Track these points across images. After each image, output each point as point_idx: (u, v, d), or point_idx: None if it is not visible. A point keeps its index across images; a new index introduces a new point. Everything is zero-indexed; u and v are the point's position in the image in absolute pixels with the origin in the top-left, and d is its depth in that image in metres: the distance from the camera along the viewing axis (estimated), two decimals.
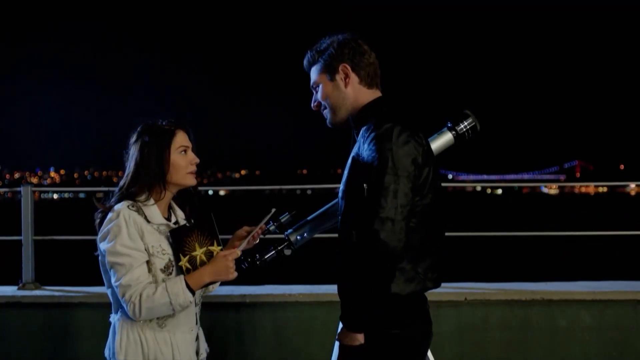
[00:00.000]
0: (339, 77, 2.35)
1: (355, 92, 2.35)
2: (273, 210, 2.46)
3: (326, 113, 2.41)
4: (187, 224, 2.37)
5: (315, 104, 2.44)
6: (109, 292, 2.35)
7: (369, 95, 2.36)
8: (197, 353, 2.45)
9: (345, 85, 2.35)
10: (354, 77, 2.34)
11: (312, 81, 2.43)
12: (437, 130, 2.74)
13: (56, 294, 4.20)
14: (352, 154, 2.31)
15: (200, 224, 2.35)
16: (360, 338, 2.18)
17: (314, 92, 2.44)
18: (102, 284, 4.35)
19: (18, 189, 4.47)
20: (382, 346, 2.20)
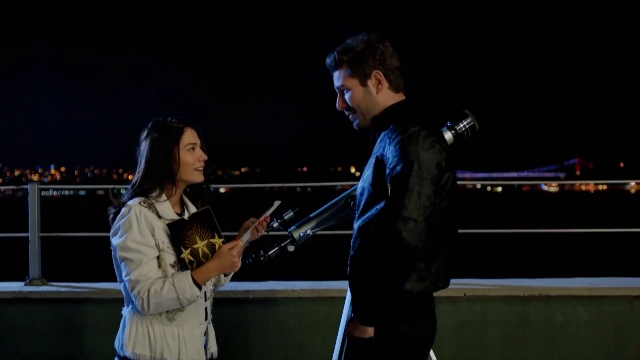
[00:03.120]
0: (372, 83, 2.37)
1: (386, 97, 2.39)
2: (278, 202, 2.51)
3: (354, 117, 2.45)
4: (185, 218, 2.43)
5: (344, 106, 2.46)
6: (121, 286, 2.41)
7: (395, 99, 2.40)
8: (206, 347, 2.51)
9: (377, 92, 2.38)
10: (385, 83, 2.38)
11: (339, 84, 2.43)
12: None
13: (62, 289, 4.27)
14: (375, 154, 2.35)
15: (198, 217, 2.40)
16: (370, 332, 2.24)
17: (340, 94, 2.45)
18: (107, 280, 4.43)
19: (25, 186, 4.54)
20: (391, 341, 2.26)
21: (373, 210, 2.27)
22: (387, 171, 2.24)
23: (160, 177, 2.40)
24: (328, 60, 2.45)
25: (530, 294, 4.15)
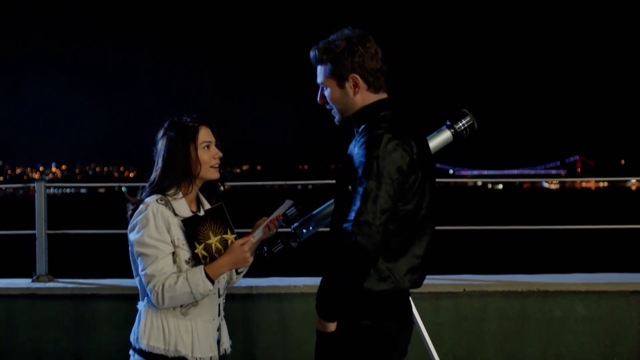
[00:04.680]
0: (349, 85, 2.39)
1: (364, 98, 2.40)
2: (290, 201, 2.59)
3: (333, 113, 2.49)
4: (199, 214, 2.49)
5: (323, 101, 2.50)
6: (136, 280, 2.47)
7: (375, 98, 2.41)
8: (219, 342, 2.58)
9: (354, 94, 2.39)
10: (362, 85, 2.39)
11: (319, 80, 2.47)
12: (436, 129, 2.87)
13: (69, 285, 4.34)
14: (347, 153, 2.39)
15: (212, 213, 2.47)
16: (331, 326, 2.31)
17: (321, 89, 2.49)
18: (113, 276, 4.50)
19: (32, 184, 4.61)
20: (353, 335, 2.32)
21: (338, 210, 2.34)
22: (350, 173, 2.28)
23: (178, 175, 2.46)
24: (311, 54, 2.46)
25: (529, 289, 4.22)
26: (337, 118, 2.50)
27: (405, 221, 2.30)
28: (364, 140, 2.28)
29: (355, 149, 2.31)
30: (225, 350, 2.61)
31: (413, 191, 2.29)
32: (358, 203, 2.20)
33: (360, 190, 2.21)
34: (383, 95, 2.43)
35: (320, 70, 2.46)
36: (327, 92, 2.46)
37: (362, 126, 2.37)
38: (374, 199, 2.19)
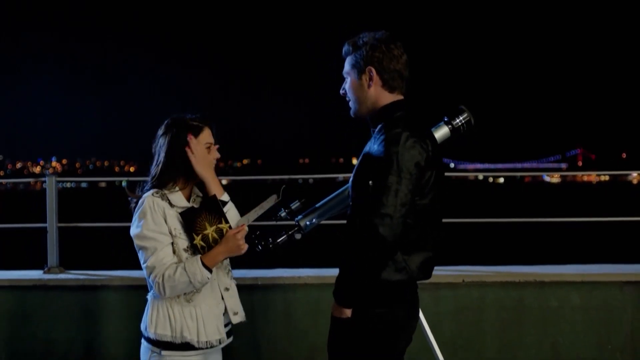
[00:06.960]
0: (365, 77, 2.54)
1: (377, 93, 2.55)
2: (283, 186, 2.71)
3: (350, 104, 2.63)
4: (195, 206, 2.60)
5: (343, 91, 2.66)
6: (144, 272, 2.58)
7: (389, 98, 2.55)
8: (230, 311, 2.66)
9: (368, 87, 2.54)
10: (377, 80, 2.53)
11: (344, 70, 2.63)
12: (434, 124, 2.98)
13: (80, 277, 4.44)
14: (364, 150, 2.54)
15: (206, 205, 2.57)
16: (347, 312, 2.45)
17: (345, 80, 2.64)
18: (123, 268, 4.61)
19: (43, 179, 4.72)
20: (367, 322, 2.46)
21: (358, 204, 2.47)
22: (371, 168, 2.42)
23: (179, 171, 2.56)
24: (343, 48, 2.62)
25: (526, 280, 4.32)
26: (352, 109, 2.64)
27: (422, 215, 2.43)
28: (384, 138, 2.41)
29: (375, 147, 2.44)
30: (242, 318, 2.71)
31: (429, 187, 2.43)
32: (380, 197, 2.33)
33: (382, 184, 2.34)
34: (398, 97, 2.57)
35: (347, 61, 2.61)
36: (347, 83, 2.61)
37: (379, 126, 2.50)
38: (395, 192, 2.32)
